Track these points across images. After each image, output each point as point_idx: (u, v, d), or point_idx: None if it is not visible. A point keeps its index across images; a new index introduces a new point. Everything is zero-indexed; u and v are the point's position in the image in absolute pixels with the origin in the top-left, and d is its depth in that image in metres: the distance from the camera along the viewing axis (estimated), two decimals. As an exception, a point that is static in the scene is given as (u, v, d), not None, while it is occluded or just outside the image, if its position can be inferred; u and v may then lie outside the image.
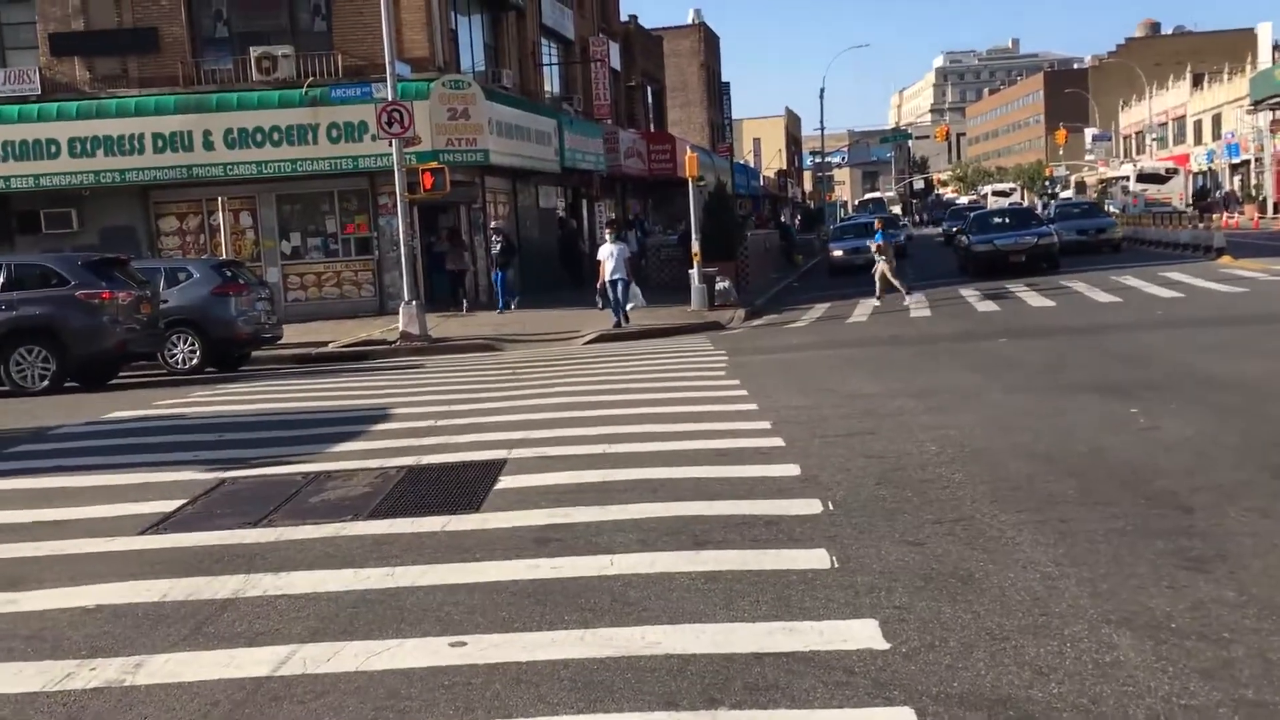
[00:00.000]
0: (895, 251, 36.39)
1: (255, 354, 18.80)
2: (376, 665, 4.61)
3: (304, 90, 24.03)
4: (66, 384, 15.44)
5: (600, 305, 22.45)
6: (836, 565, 5.55)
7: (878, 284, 23.16)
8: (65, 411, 12.98)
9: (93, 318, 15.25)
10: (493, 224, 24.54)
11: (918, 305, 21.60)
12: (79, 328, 15.19)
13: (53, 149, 23.99)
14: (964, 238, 30.50)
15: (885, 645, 4.51)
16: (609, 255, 20.92)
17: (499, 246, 24.25)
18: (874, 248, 23.74)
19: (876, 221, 24.70)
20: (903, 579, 5.29)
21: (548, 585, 5.51)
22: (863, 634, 4.65)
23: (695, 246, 23.79)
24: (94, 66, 24.90)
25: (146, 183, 24.46)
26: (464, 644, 4.79)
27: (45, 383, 15.15)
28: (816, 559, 5.66)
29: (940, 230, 53.01)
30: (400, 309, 20.19)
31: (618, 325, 20.41)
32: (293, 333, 20.53)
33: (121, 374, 16.99)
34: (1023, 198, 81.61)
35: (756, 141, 79.75)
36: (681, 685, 4.24)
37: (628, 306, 20.75)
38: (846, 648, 4.52)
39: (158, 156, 24.03)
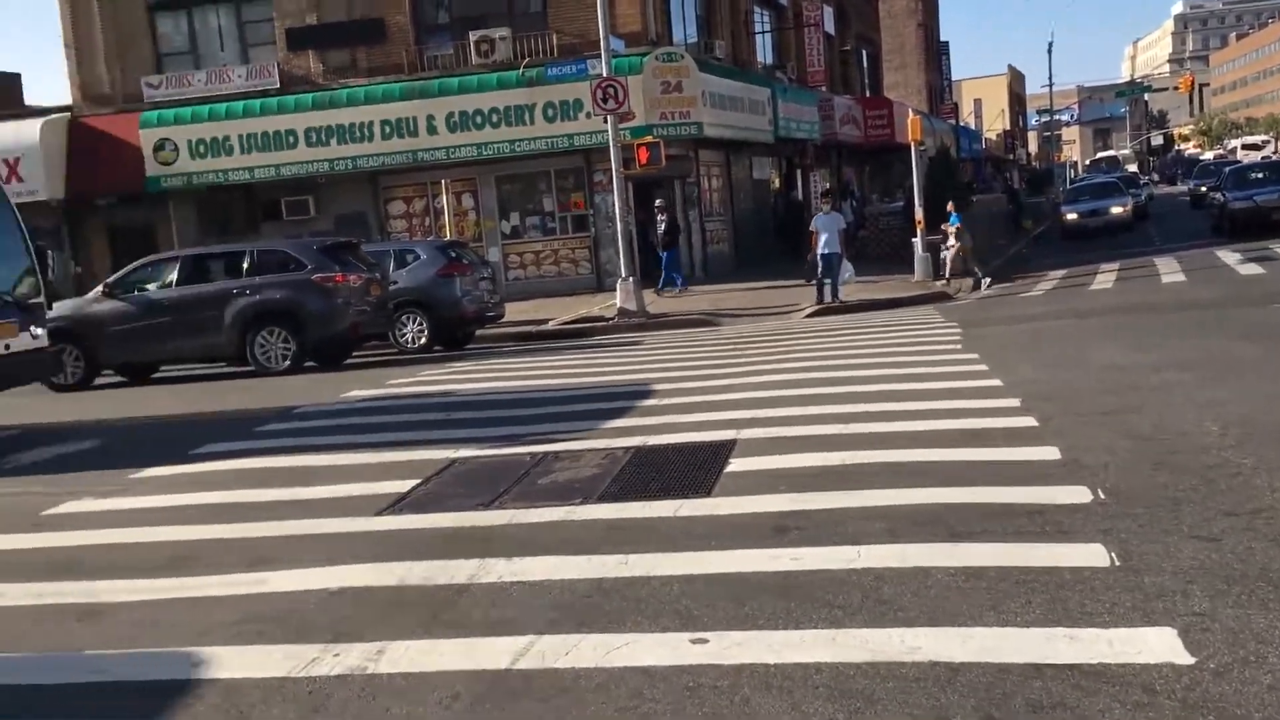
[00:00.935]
0: (1136, 212, 34.22)
1: (479, 332, 19.21)
2: (616, 661, 4.37)
3: (520, 71, 24.37)
4: (305, 364, 16.13)
5: (809, 279, 21.78)
6: (1117, 563, 4.94)
7: (947, 267, 21.65)
8: (305, 391, 13.52)
9: (328, 300, 15.87)
10: (657, 202, 24.01)
11: (980, 291, 20.00)
12: (316, 310, 15.83)
13: (291, 139, 25.27)
14: (1218, 195, 28.08)
15: (1189, 659, 3.93)
16: (822, 227, 20.22)
17: (663, 225, 23.64)
18: (951, 231, 22.10)
19: (949, 205, 22.95)
20: (1200, 581, 4.64)
21: (791, 578, 5.15)
22: (1159, 645, 4.07)
23: (918, 214, 22.79)
24: (326, 59, 26.04)
25: (375, 168, 25.43)
26: (706, 641, 4.49)
27: (287, 363, 15.89)
28: (1092, 555, 5.06)
29: (1186, 189, 49.23)
30: (617, 285, 20.22)
31: (834, 300, 19.71)
32: (514, 311, 20.89)
33: (355, 353, 17.65)
34: (1276, 150, 75.01)
35: (977, 102, 76.45)
36: (952, 698, 3.80)
37: (841, 280, 20.00)
38: (1141, 661, 3.96)
39: (385, 143, 24.92)
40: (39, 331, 11.75)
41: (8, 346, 11.22)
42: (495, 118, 24.53)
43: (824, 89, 36.25)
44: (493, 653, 4.55)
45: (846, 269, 20.33)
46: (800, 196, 33.69)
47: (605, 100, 19.76)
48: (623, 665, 4.32)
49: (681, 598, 5.01)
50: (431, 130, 24.71)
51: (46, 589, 5.94)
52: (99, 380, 16.70)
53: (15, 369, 11.56)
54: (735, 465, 7.48)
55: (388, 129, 24.87)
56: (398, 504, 7.22)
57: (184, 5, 26.76)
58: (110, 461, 9.75)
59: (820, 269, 20.03)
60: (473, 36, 24.87)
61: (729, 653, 4.35)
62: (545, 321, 20.32)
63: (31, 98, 39.42)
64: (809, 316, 18.92)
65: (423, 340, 17.84)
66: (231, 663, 4.66)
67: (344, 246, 17.15)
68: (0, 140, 25.04)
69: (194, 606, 5.47)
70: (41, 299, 12.00)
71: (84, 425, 12.24)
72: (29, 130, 25.97)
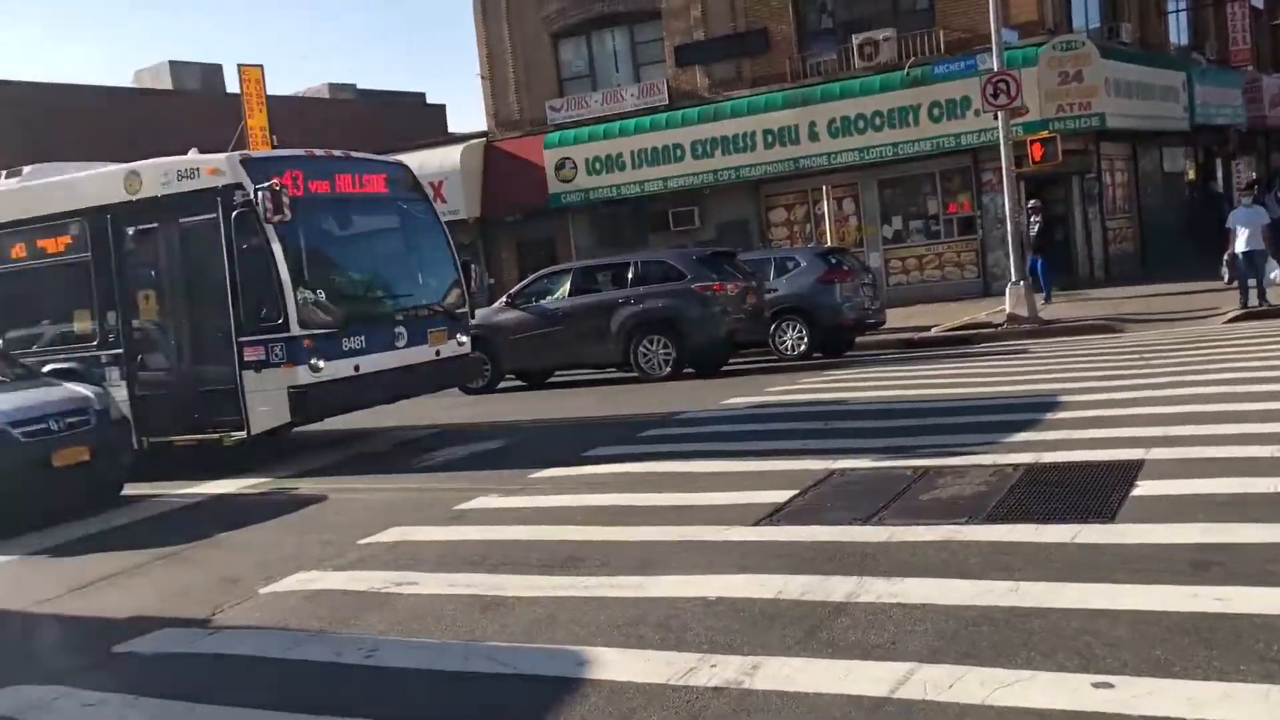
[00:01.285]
0: None
1: (858, 339, 18.92)
2: (1005, 699, 4.06)
3: (905, 71, 23.80)
4: (684, 370, 16.59)
5: (1226, 279, 19.51)
6: None
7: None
8: (686, 397, 13.88)
9: (706, 308, 16.23)
10: (1031, 202, 22.12)
11: None
12: (695, 318, 16.24)
13: (678, 153, 26.22)
14: None
15: None
16: (1242, 222, 18.03)
17: (1036, 228, 21.67)
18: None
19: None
20: None
21: (1212, 621, 4.56)
22: None
23: (1368, 203, 19.85)
24: (712, 72, 26.78)
25: (758, 177, 25.80)
26: (1110, 685, 4.07)
27: (667, 369, 16.43)
28: None
29: None
30: (1006, 289, 19.21)
31: (1260, 303, 17.51)
32: (895, 317, 20.41)
33: (734, 360, 17.94)
34: None
35: None
36: None
37: (1268, 281, 17.72)
38: None
39: (767, 152, 25.23)
40: (464, 339, 12.93)
41: (439, 352, 12.43)
42: (878, 121, 24.14)
43: (1250, 68, 32.59)
44: (871, 678, 4.37)
45: (1274, 268, 18.07)
46: (1220, 188, 30.47)
47: (996, 96, 18.82)
48: (1013, 705, 4.01)
49: (1081, 634, 4.58)
50: (813, 137, 24.73)
51: (458, 580, 6.45)
52: (502, 384, 18.12)
53: (444, 373, 12.81)
54: (1143, 488, 6.80)
55: (770, 138, 25.17)
56: (775, 514, 7.19)
57: (583, 31, 28.56)
58: (512, 461, 10.52)
59: (1242, 268, 17.91)
60: (856, 40, 24.64)
61: (1137, 702, 3.91)
62: (928, 328, 19.67)
63: (453, 126, 43.70)
64: (1230, 322, 17.01)
65: (802, 348, 17.82)
66: (615, 665, 4.81)
67: (722, 255, 17.49)
68: (428, 165, 27.85)
69: (584, 606, 5.71)
70: (466, 309, 13.22)
71: (490, 426, 13.31)
72: (451, 156, 28.85)
